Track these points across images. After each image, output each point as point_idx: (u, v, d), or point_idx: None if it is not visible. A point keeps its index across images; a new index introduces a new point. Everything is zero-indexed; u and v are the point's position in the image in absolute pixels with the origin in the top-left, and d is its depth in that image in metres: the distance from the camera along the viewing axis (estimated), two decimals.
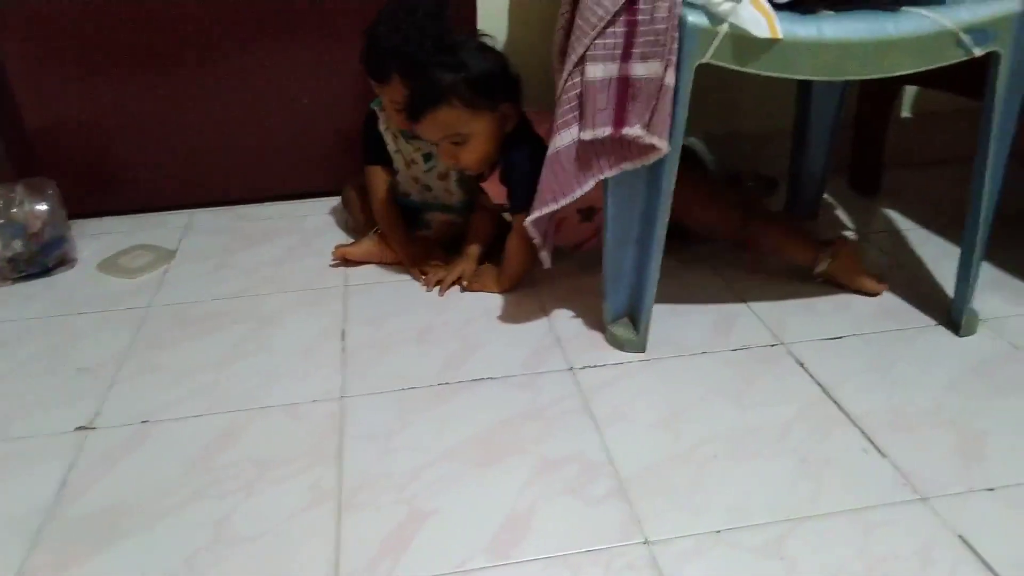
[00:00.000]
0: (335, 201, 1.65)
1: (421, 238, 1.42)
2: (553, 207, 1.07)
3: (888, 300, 1.26)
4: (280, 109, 1.62)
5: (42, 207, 1.38)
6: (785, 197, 1.60)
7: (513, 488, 0.90)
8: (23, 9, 1.43)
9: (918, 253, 1.41)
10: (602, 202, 1.10)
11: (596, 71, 0.99)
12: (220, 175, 1.66)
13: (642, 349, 1.14)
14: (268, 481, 0.91)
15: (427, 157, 1.38)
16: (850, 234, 1.51)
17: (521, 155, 1.20)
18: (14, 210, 1.35)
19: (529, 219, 1.10)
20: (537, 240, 1.14)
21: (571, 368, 1.11)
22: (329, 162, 1.68)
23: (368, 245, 1.40)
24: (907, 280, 1.31)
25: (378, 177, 1.39)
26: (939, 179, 1.72)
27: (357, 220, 1.49)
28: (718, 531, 0.83)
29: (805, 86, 1.47)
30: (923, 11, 0.99)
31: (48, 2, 1.43)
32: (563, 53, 1.08)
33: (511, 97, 1.22)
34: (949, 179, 1.71)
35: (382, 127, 1.38)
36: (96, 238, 1.52)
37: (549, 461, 0.94)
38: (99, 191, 1.61)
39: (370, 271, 1.39)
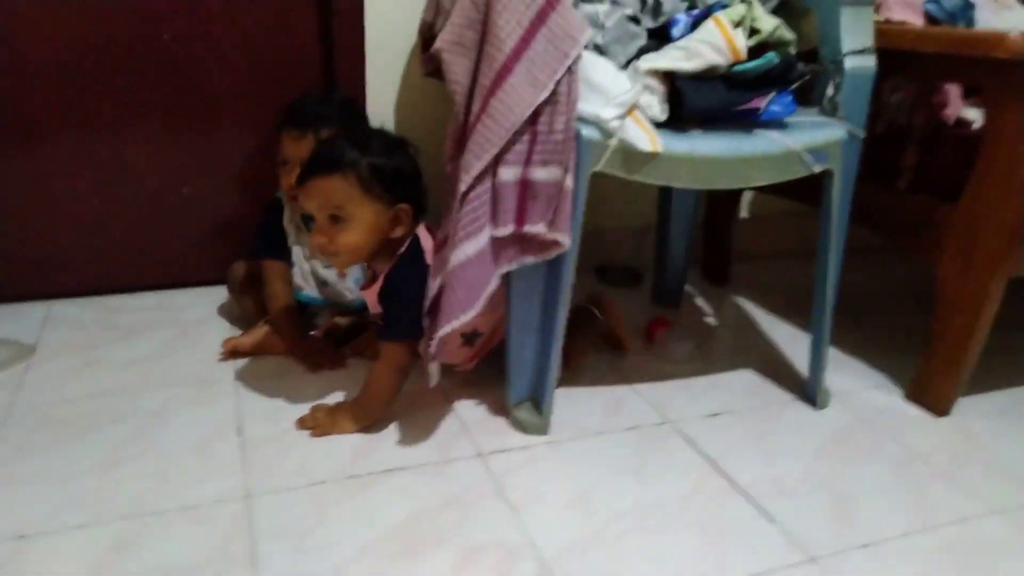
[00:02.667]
0: (214, 291, 1.60)
1: (312, 337, 1.40)
2: (464, 319, 1.07)
3: (750, 378, 1.41)
4: (156, 196, 1.56)
5: None
6: (651, 287, 1.75)
7: None
8: None
9: (768, 336, 1.60)
10: (485, 326, 1.18)
11: (506, 174, 1.07)
12: (84, 263, 1.56)
13: (545, 432, 1.20)
14: None
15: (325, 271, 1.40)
16: (710, 320, 1.68)
17: (407, 280, 1.14)
18: None
19: (439, 333, 1.08)
20: (433, 351, 1.10)
21: (480, 454, 1.14)
22: (208, 251, 1.63)
23: (258, 335, 1.36)
24: (762, 360, 1.47)
25: (275, 270, 1.37)
26: (775, 271, 1.96)
27: (245, 308, 1.45)
28: None
29: (665, 188, 1.65)
30: (772, 133, 1.17)
31: None
32: (454, 156, 1.14)
33: (412, 203, 1.16)
34: (783, 271, 1.95)
35: (286, 219, 1.37)
36: None
37: (471, 549, 0.95)
38: None
39: (261, 363, 1.35)
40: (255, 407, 1.22)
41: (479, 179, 1.08)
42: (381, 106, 1.61)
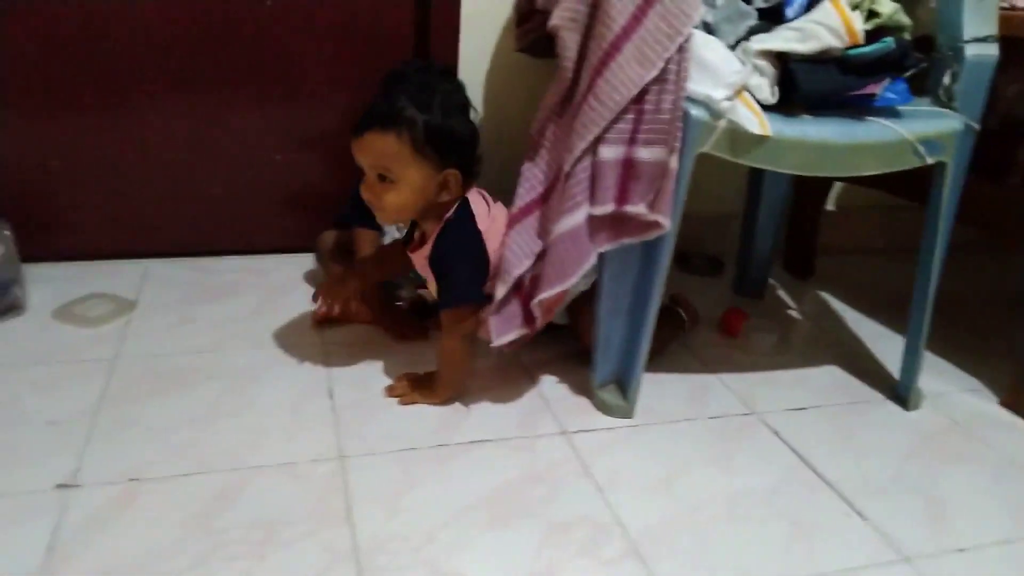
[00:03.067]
0: (299, 258, 1.64)
1: (398, 307, 1.43)
2: (559, 288, 1.10)
3: (836, 374, 1.38)
4: (249, 163, 1.60)
5: None
6: (733, 277, 1.72)
7: (529, 550, 0.91)
8: None
9: (854, 332, 1.55)
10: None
11: (608, 152, 1.07)
12: (179, 225, 1.61)
13: (630, 415, 1.19)
14: (279, 544, 0.88)
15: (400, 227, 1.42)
16: (794, 313, 1.64)
17: (456, 245, 1.13)
18: None
19: (536, 300, 1.11)
20: (537, 323, 1.15)
21: (564, 432, 1.14)
22: (295, 219, 1.67)
23: (343, 303, 1.38)
24: (848, 357, 1.44)
25: (367, 237, 1.39)
26: (861, 266, 1.90)
27: (333, 276, 1.47)
28: None
29: (757, 175, 1.61)
30: (885, 121, 1.13)
31: (4, 47, 1.38)
32: (542, 130, 1.14)
33: (463, 169, 1.12)
34: (869, 266, 1.90)
35: None
36: (47, 284, 1.43)
37: (558, 523, 0.95)
38: (48, 234, 1.52)
39: (347, 331, 1.38)
40: (343, 372, 1.25)
41: (580, 158, 1.08)
42: (472, 80, 1.61)
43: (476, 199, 1.17)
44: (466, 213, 1.15)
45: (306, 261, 1.62)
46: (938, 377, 1.38)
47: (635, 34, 1.04)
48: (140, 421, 1.08)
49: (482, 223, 1.15)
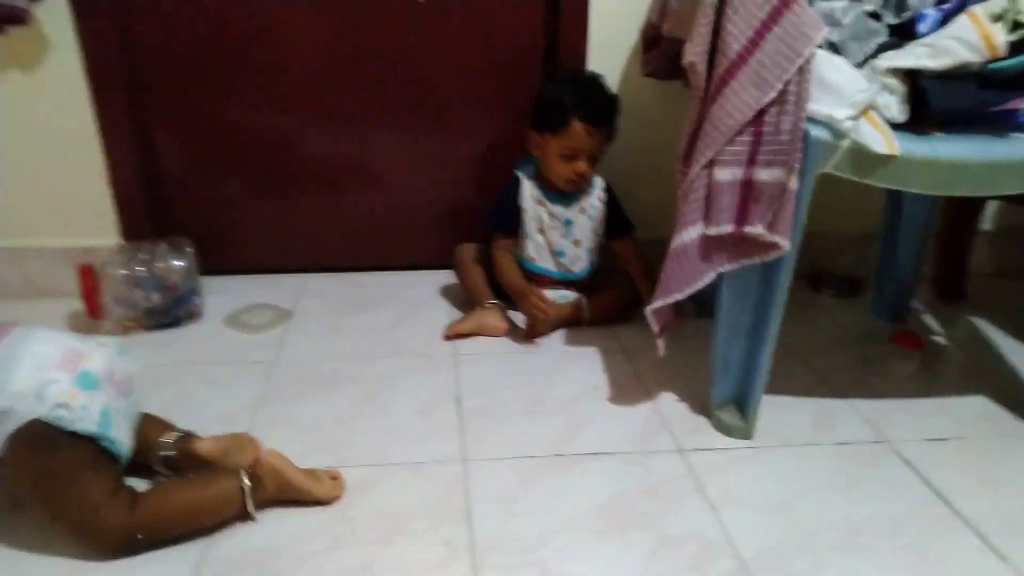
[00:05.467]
0: (433, 275, 1.75)
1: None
2: (676, 297, 1.14)
3: (984, 405, 1.29)
4: (395, 186, 1.74)
5: (180, 263, 1.49)
6: (871, 300, 1.65)
7: (638, 561, 0.93)
8: (169, 100, 1.59)
9: (1008, 361, 1.44)
10: None
11: (724, 174, 1.08)
12: (333, 243, 1.77)
13: (749, 436, 1.19)
14: (405, 534, 0.96)
15: (567, 222, 1.51)
16: (940, 339, 1.55)
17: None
18: (157, 264, 1.46)
19: (651, 308, 1.16)
20: (656, 329, 1.20)
21: (680, 449, 1.16)
22: (430, 239, 1.79)
23: (478, 318, 1.48)
24: (999, 387, 1.34)
25: (506, 244, 1.53)
26: (1021, 292, 1.75)
27: (471, 284, 1.56)
28: None
29: (895, 193, 1.54)
30: None
31: (188, 94, 1.59)
32: (685, 156, 1.17)
33: None
34: None
35: (524, 195, 1.50)
36: (220, 295, 1.62)
37: (669, 537, 0.97)
38: (222, 250, 1.73)
39: (478, 343, 1.46)
40: (471, 381, 1.33)
41: (696, 179, 1.10)
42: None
43: None
44: None
45: (440, 277, 1.73)
46: None
47: (751, 59, 1.05)
48: (291, 418, 1.21)
49: None
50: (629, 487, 1.07)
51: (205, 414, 1.21)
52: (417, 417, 1.22)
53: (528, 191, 1.51)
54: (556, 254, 1.54)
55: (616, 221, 1.56)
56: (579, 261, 1.56)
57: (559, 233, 1.53)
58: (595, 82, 1.49)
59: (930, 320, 1.63)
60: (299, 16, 1.57)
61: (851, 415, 1.25)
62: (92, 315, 1.44)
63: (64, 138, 1.54)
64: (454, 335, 1.47)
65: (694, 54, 1.13)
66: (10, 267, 1.60)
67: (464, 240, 1.64)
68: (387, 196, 1.75)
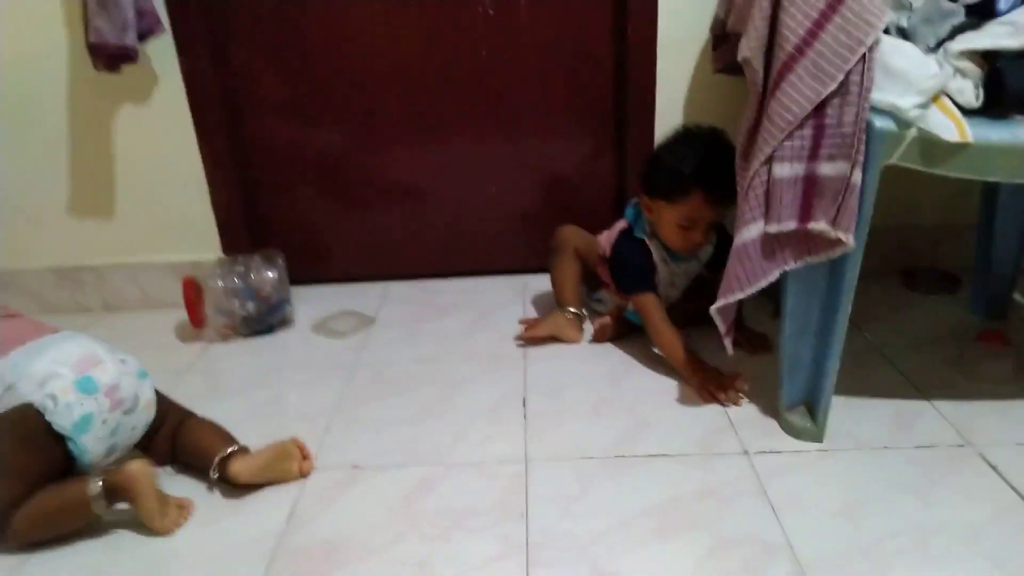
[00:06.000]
0: (507, 279, 1.80)
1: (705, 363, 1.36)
2: (740, 295, 1.12)
3: None
4: (468, 193, 1.80)
5: (272, 274, 1.60)
6: (970, 295, 1.55)
7: (690, 561, 0.93)
8: (262, 123, 1.71)
9: None
10: None
11: (783, 170, 1.06)
12: (414, 251, 1.85)
13: (819, 439, 1.15)
14: (463, 530, 1.00)
15: (686, 272, 1.49)
16: None
17: None
18: (252, 276, 1.57)
19: (716, 307, 1.15)
20: (723, 328, 1.18)
21: (746, 452, 1.14)
22: (502, 245, 1.84)
23: (555, 325, 1.50)
24: None
25: (656, 303, 1.40)
26: None
27: (560, 287, 1.55)
28: None
29: (991, 182, 1.45)
30: None
31: (279, 115, 1.71)
32: (745, 154, 1.15)
33: None
34: None
35: (655, 257, 1.43)
36: (309, 303, 1.73)
37: (725, 539, 0.97)
38: (312, 263, 1.84)
39: (547, 346, 1.49)
40: (539, 383, 1.36)
41: (753, 176, 1.08)
42: (671, 104, 1.66)
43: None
44: None
45: (515, 281, 1.77)
46: None
47: (810, 50, 1.03)
48: (366, 418, 1.28)
49: None
50: (689, 488, 1.06)
51: (289, 415, 1.30)
52: (483, 418, 1.26)
53: (655, 252, 1.43)
54: (665, 297, 1.48)
55: (719, 258, 1.35)
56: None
57: (681, 286, 1.50)
58: (717, 145, 1.32)
59: None
60: (378, 30, 1.65)
61: (934, 417, 1.19)
62: (195, 324, 1.58)
63: (171, 164, 1.69)
64: (528, 340, 1.50)
65: (749, 49, 1.11)
66: (128, 282, 1.77)
67: (534, 245, 1.66)
68: (463, 204, 1.81)
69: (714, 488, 1.06)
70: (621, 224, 1.50)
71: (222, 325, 1.58)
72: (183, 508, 1.07)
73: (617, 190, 1.78)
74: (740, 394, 1.27)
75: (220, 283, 1.55)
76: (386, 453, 1.18)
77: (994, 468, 1.07)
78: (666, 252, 1.44)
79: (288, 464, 1.12)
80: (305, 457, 1.14)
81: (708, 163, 1.31)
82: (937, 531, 0.96)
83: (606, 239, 1.52)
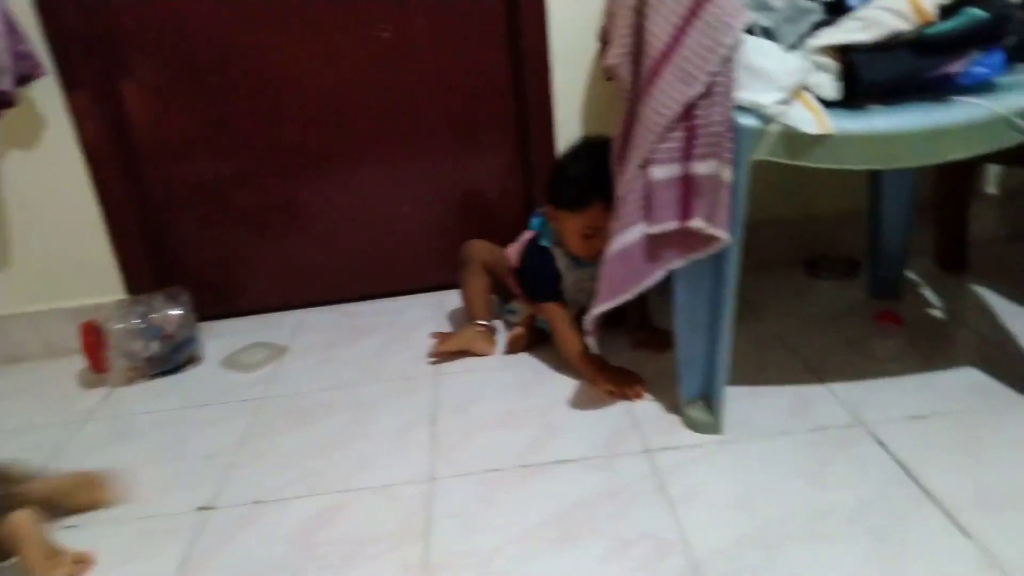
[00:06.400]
0: (425, 297, 1.80)
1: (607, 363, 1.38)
2: (623, 298, 1.14)
3: (972, 377, 1.24)
4: (381, 215, 1.79)
5: (176, 312, 1.57)
6: (867, 279, 1.61)
7: (588, 565, 0.94)
8: (162, 158, 1.68)
9: (1007, 330, 1.38)
10: None
11: (661, 172, 1.08)
12: (328, 278, 1.83)
13: (717, 431, 1.17)
14: (363, 557, 0.99)
15: (593, 277, 1.45)
16: (935, 312, 1.49)
17: None
18: (153, 315, 1.54)
19: (596, 312, 1.18)
20: (590, 329, 1.22)
21: (647, 450, 1.15)
22: (418, 264, 1.83)
23: (466, 339, 1.50)
24: (993, 358, 1.29)
25: (561, 312, 1.41)
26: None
27: (470, 301, 1.56)
28: None
29: (874, 169, 1.50)
30: (975, 100, 1.03)
31: (180, 150, 1.68)
32: (620, 158, 1.18)
33: None
34: None
35: (559, 264, 1.44)
36: (221, 337, 1.69)
37: (623, 541, 0.97)
38: (224, 297, 1.81)
39: (459, 361, 1.49)
40: (450, 399, 1.36)
41: (633, 179, 1.11)
42: (570, 113, 1.68)
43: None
44: None
45: (432, 299, 1.77)
46: None
47: (675, 55, 1.05)
48: (273, 452, 1.26)
49: None
50: (592, 492, 1.07)
51: (194, 456, 1.27)
52: (392, 441, 1.25)
53: (560, 259, 1.45)
54: (575, 302, 1.48)
55: None
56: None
57: (586, 287, 1.46)
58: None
59: (928, 293, 1.57)
60: (276, 59, 1.64)
61: (828, 399, 1.23)
62: (96, 370, 1.53)
63: (65, 207, 1.64)
64: (439, 355, 1.50)
65: (615, 56, 1.14)
66: (28, 331, 1.71)
67: (446, 260, 1.66)
68: (376, 226, 1.80)
69: (617, 489, 1.07)
70: (528, 234, 1.51)
71: (126, 367, 1.54)
72: (81, 562, 1.04)
73: (526, 202, 1.80)
74: (641, 388, 1.30)
75: (119, 325, 1.51)
76: (288, 486, 1.16)
77: (882, 445, 1.10)
78: (571, 259, 1.45)
79: (95, 494, 1.14)
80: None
81: (606, 173, 1.30)
82: (826, 512, 0.98)
83: (514, 250, 1.53)
